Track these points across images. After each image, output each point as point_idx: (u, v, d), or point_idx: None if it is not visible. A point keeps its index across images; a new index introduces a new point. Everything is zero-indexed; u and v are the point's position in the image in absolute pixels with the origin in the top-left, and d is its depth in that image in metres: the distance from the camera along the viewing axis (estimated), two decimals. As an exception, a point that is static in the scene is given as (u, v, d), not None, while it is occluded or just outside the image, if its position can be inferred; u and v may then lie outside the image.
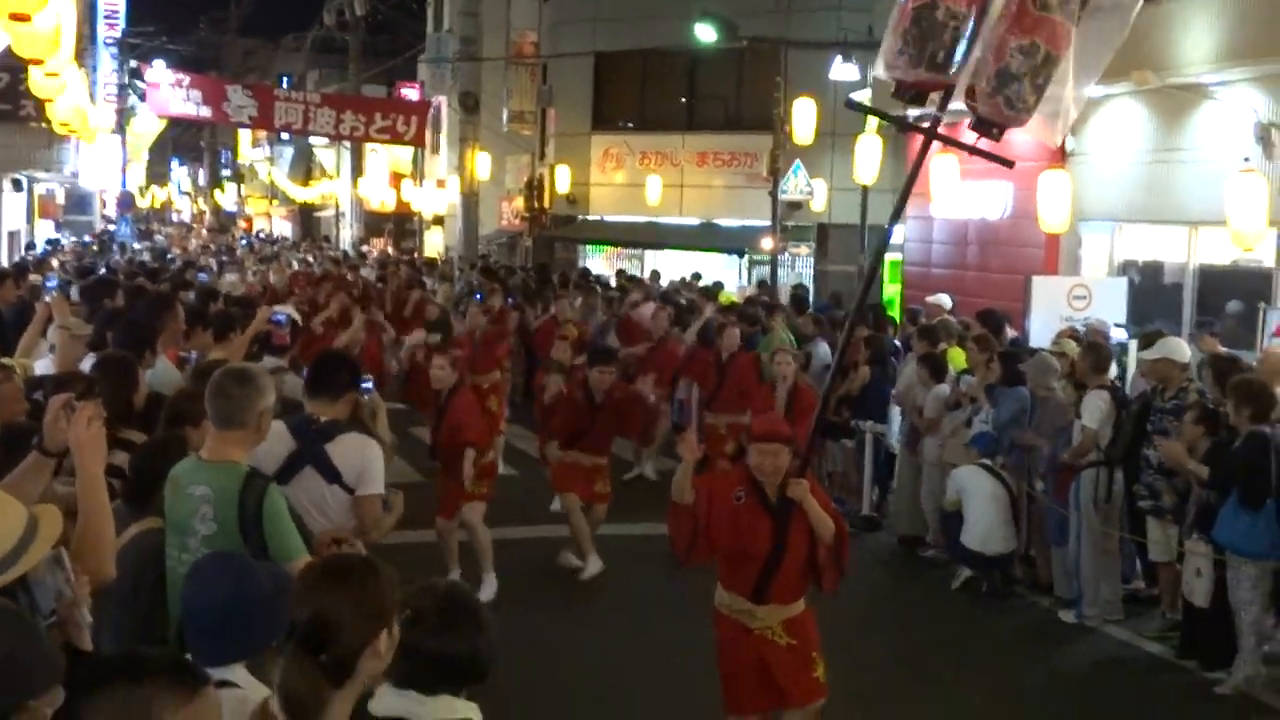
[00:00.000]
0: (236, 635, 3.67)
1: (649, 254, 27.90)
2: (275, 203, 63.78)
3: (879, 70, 6.31)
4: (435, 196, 37.68)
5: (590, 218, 28.98)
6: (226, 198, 71.37)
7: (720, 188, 26.34)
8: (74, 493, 4.22)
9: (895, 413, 12.34)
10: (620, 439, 11.99)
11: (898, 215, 6.89)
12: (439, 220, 39.25)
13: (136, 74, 38.85)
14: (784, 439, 6.30)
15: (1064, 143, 15.21)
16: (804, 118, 20.98)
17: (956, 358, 11.98)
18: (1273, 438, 8.28)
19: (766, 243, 22.15)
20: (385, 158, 42.42)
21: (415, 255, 36.46)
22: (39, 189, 33.25)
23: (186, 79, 26.23)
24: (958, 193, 16.92)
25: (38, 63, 11.86)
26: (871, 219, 20.61)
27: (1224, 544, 8.42)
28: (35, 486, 4.31)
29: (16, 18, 9.48)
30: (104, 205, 46.14)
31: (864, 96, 20.93)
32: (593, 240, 29.89)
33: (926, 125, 6.55)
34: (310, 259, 32.02)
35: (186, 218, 79.96)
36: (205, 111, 25.94)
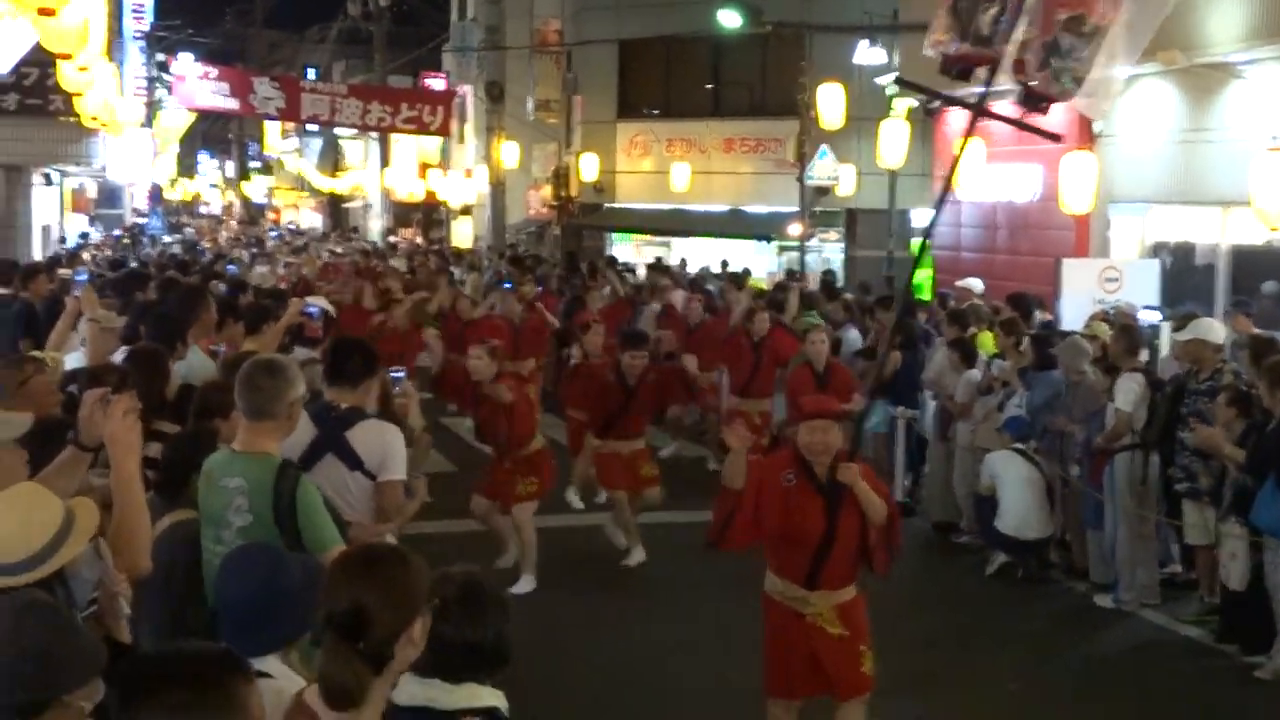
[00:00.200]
0: (269, 626, 3.68)
1: (676, 241, 27.87)
2: (304, 194, 63.99)
3: (925, 49, 6.27)
4: (463, 186, 37.73)
5: (617, 205, 28.94)
6: (255, 190, 71.59)
7: (747, 174, 26.27)
8: (109, 485, 4.24)
9: (927, 398, 12.28)
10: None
11: (942, 201, 6.84)
12: (467, 210, 39.29)
13: (164, 67, 38.99)
14: (834, 415, 6.29)
15: (1092, 124, 15.19)
16: (830, 102, 20.91)
17: (986, 342, 11.93)
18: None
19: (794, 228, 22.08)
20: (412, 148, 42.46)
21: (443, 245, 36.51)
22: (69, 183, 33.41)
23: (213, 72, 26.34)
24: (984, 176, 16.84)
25: (67, 57, 11.92)
26: (899, 203, 20.55)
27: (1261, 527, 8.34)
28: (71, 481, 4.33)
29: (44, 12, 9.54)
30: (133, 199, 46.36)
31: (890, 80, 20.90)
32: (620, 228, 29.87)
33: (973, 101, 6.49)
34: (339, 250, 32.11)
35: (216, 210, 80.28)
36: (232, 104, 26.06)
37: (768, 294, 15.66)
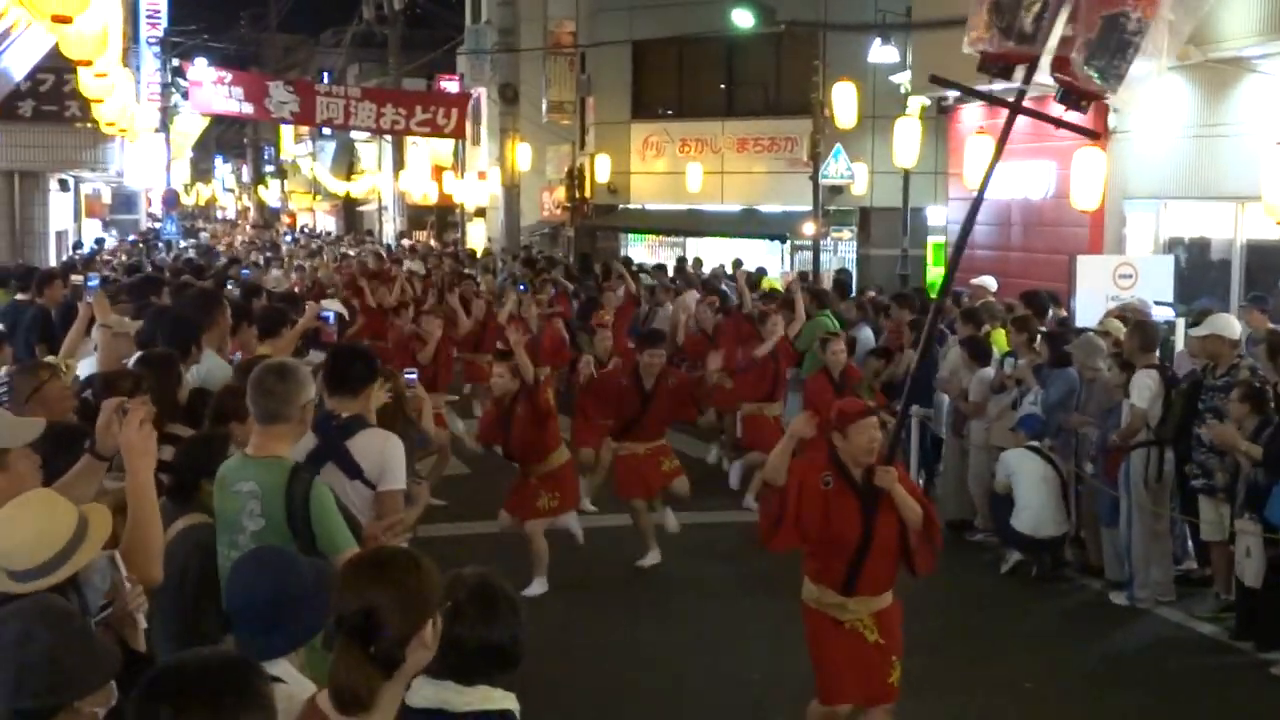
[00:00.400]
0: (280, 629, 3.68)
1: (690, 241, 27.87)
2: (318, 198, 64.16)
3: (965, 46, 6.26)
4: (477, 188, 37.78)
5: (631, 206, 28.95)
6: (270, 194, 71.81)
7: (761, 173, 26.26)
8: (124, 489, 4.25)
9: (941, 397, 12.26)
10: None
11: (978, 205, 6.82)
12: (481, 212, 39.36)
13: (179, 72, 39.10)
14: (873, 412, 6.31)
15: (1106, 120, 15.14)
16: (844, 101, 20.88)
17: (1000, 340, 11.90)
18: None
19: (808, 228, 22.06)
20: (426, 151, 42.54)
21: (456, 247, 36.57)
22: (85, 189, 33.52)
23: (228, 76, 26.39)
24: (996, 173, 16.77)
25: (86, 64, 11.95)
26: (913, 202, 20.51)
27: (1276, 523, 8.32)
28: (87, 490, 4.34)
29: (59, 19, 9.56)
30: (149, 204, 46.50)
31: (904, 79, 20.88)
32: (634, 229, 29.87)
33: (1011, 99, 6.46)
34: (351, 253, 32.16)
35: (231, 214, 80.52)
36: (247, 108, 26.09)
37: (781, 296, 15.64)
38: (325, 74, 53.96)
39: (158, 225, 43.31)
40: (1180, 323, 11.80)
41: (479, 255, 31.13)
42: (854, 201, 24.05)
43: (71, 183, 29.36)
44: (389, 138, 42.13)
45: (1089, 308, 12.90)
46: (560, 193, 30.72)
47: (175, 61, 41.69)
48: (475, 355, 14.95)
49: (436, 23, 45.10)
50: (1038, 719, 7.97)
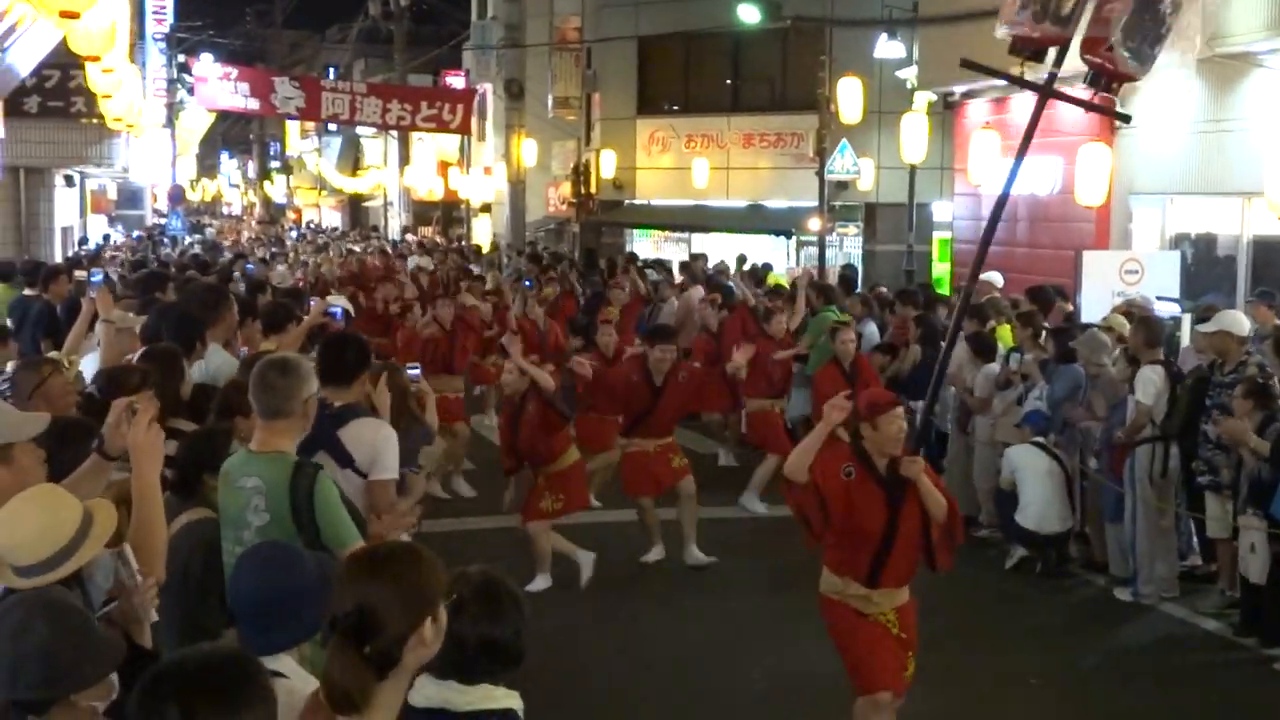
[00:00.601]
0: (283, 624, 3.68)
1: (696, 237, 27.85)
2: (324, 193, 64.17)
3: (998, 29, 6.22)
4: (482, 184, 37.79)
5: (637, 202, 28.94)
6: (276, 189, 71.85)
7: (766, 169, 26.22)
8: (129, 479, 4.25)
9: (946, 392, 12.24)
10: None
11: (1004, 200, 6.78)
12: (487, 208, 39.37)
13: (184, 68, 39.16)
14: (899, 402, 6.28)
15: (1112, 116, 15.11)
16: (849, 97, 20.88)
17: (1006, 336, 11.89)
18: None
19: (814, 223, 22.04)
20: (432, 146, 42.54)
21: (460, 242, 36.58)
22: (91, 184, 33.56)
23: (234, 72, 26.39)
24: (1002, 168, 16.77)
25: (94, 59, 11.96)
26: (919, 197, 20.49)
27: (1280, 519, 8.32)
28: (94, 489, 4.35)
29: (67, 15, 9.57)
30: (155, 199, 46.56)
31: (910, 74, 20.87)
32: (640, 224, 29.85)
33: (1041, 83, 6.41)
34: (357, 248, 32.19)
35: (237, 210, 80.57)
36: (253, 104, 26.10)
37: (786, 291, 15.63)
38: (331, 69, 53.94)
39: (163, 221, 43.37)
40: (1186, 318, 11.78)
41: (485, 251, 31.15)
42: (860, 197, 24.02)
43: (77, 178, 29.37)
44: (394, 133, 42.13)
45: (1095, 303, 12.90)
46: (566, 188, 30.70)
47: (181, 57, 41.77)
48: (480, 360, 14.95)
49: (442, 18, 45.17)
50: (1042, 715, 7.96)
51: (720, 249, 24.85)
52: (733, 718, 7.78)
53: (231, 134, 77.25)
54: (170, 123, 40.16)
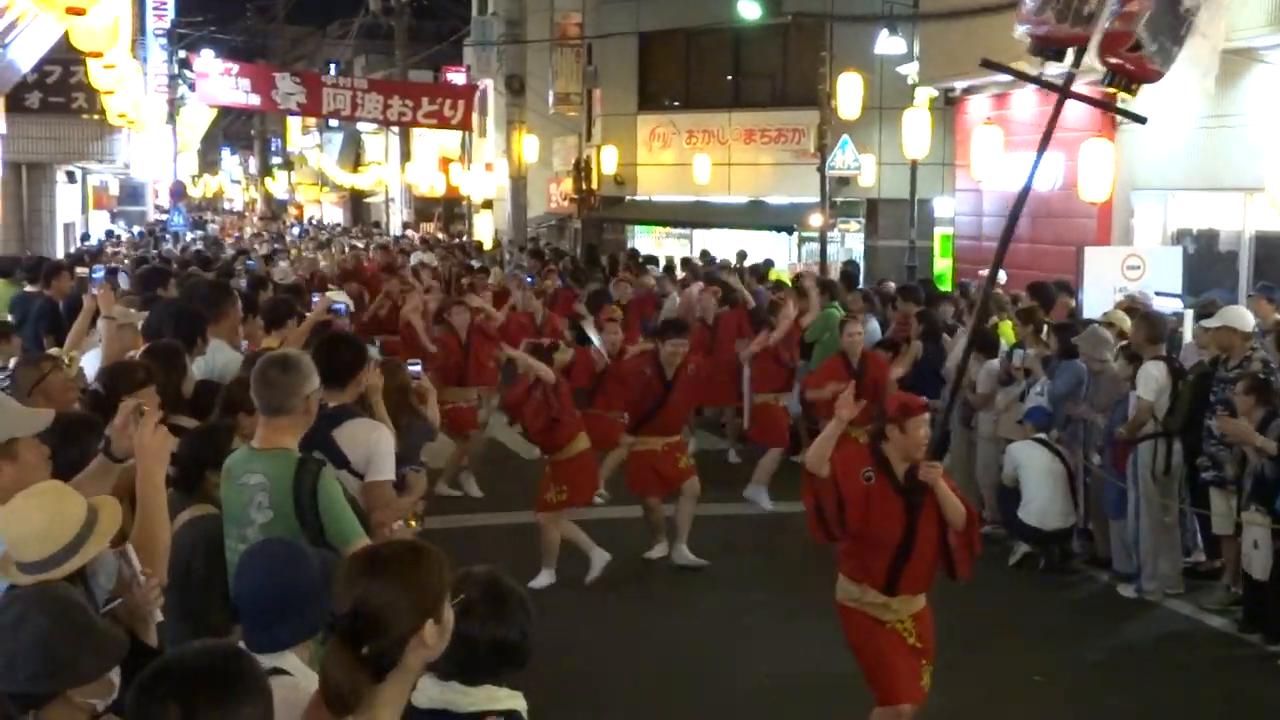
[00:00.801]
0: (288, 621, 3.67)
1: (697, 233, 27.83)
2: (325, 189, 64.18)
3: (1016, 28, 6.18)
4: (483, 180, 37.77)
5: (638, 198, 28.94)
6: (277, 186, 71.84)
7: (768, 165, 26.22)
8: (131, 470, 4.25)
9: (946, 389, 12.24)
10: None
11: (1024, 196, 6.69)
12: (488, 204, 39.34)
13: (185, 64, 39.15)
14: (928, 407, 6.24)
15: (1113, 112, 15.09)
16: (850, 92, 20.86)
17: (1007, 332, 11.88)
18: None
19: (815, 219, 22.04)
20: (433, 142, 42.55)
21: (462, 238, 36.57)
22: (92, 180, 33.57)
23: (235, 68, 26.38)
24: (1005, 164, 16.79)
25: (97, 55, 11.96)
26: (921, 193, 20.49)
27: (1284, 515, 8.31)
28: (100, 491, 4.34)
29: (73, 11, 9.58)
30: (156, 195, 46.57)
31: (911, 70, 20.85)
32: (641, 220, 29.85)
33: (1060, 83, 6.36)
34: (360, 244, 32.18)
35: (238, 206, 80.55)
36: (254, 100, 26.09)
37: (795, 287, 15.61)
38: (332, 65, 54.00)
39: (165, 217, 43.37)
40: (1188, 314, 11.77)
41: (486, 248, 31.13)
42: (861, 193, 24.01)
43: (79, 174, 29.40)
44: (396, 129, 42.15)
45: (1097, 299, 12.89)
46: (567, 184, 30.69)
47: (182, 53, 41.76)
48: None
49: (443, 14, 45.12)
50: (1045, 711, 7.96)
51: (721, 245, 24.85)
52: (737, 715, 7.78)
53: (233, 130, 77.29)
54: (171, 119, 40.18)
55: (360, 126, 48.43)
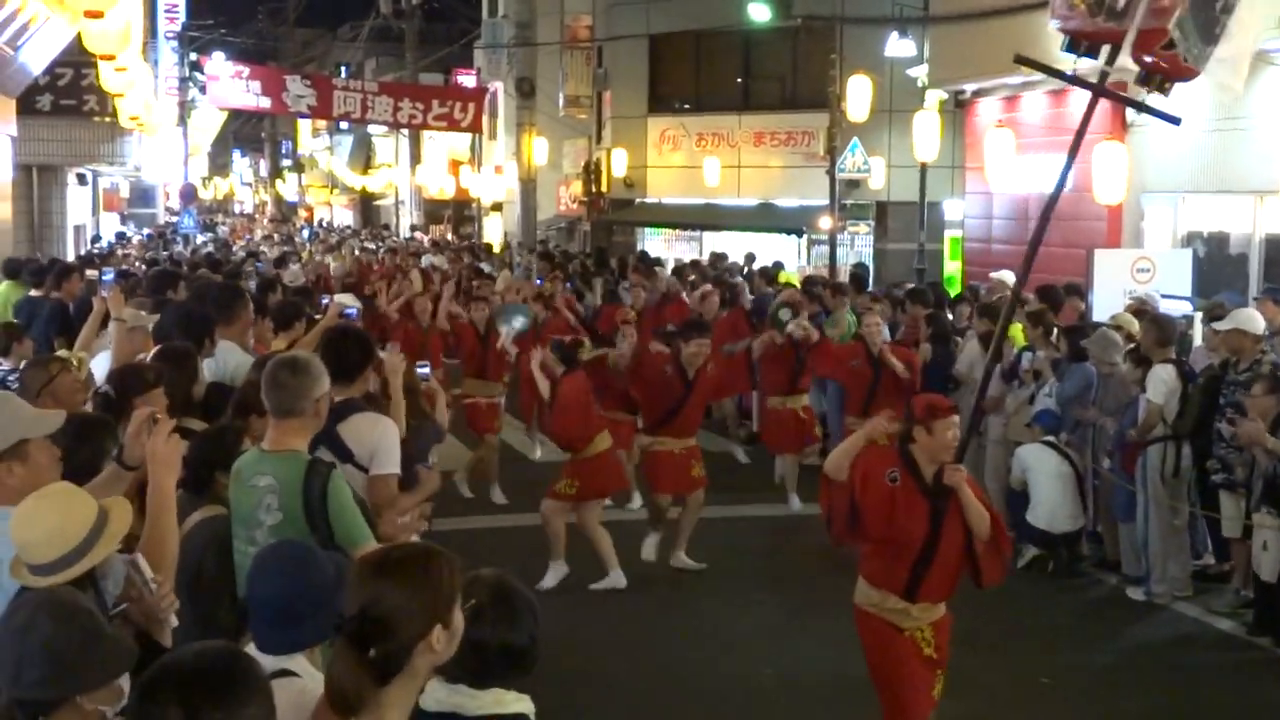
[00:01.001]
0: (299, 624, 3.66)
1: (707, 236, 27.84)
2: (335, 192, 64.30)
3: (1051, 23, 6.14)
4: (493, 183, 37.83)
5: (648, 200, 28.95)
6: (288, 188, 71.98)
7: (777, 167, 26.22)
8: (143, 473, 4.26)
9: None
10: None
11: (1055, 199, 6.62)
12: (498, 206, 39.39)
13: (196, 67, 39.21)
14: (957, 408, 6.17)
15: (1125, 115, 15.08)
16: (859, 95, 20.84)
17: (1017, 335, 11.87)
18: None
19: (825, 222, 22.03)
20: (443, 145, 42.62)
21: (472, 240, 36.61)
22: (103, 183, 33.64)
23: (246, 70, 26.44)
24: (1016, 167, 16.77)
25: (110, 58, 11.99)
26: (930, 196, 20.47)
27: (1294, 518, 8.30)
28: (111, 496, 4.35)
29: (91, 15, 9.61)
30: (167, 198, 46.67)
31: (921, 72, 20.84)
32: (651, 223, 29.86)
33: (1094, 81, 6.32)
34: (371, 246, 32.23)
35: (248, 209, 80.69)
36: (265, 102, 26.17)
37: (805, 291, 15.57)
38: (343, 68, 54.12)
39: (175, 219, 43.46)
40: (1198, 317, 11.75)
41: (495, 250, 31.15)
42: (871, 195, 23.98)
43: (90, 177, 29.45)
44: (406, 132, 42.19)
45: (1107, 302, 12.87)
46: (577, 187, 30.71)
47: (193, 56, 41.82)
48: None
49: (453, 17, 45.20)
50: (1054, 714, 7.94)
51: (731, 247, 24.85)
52: (740, 716, 7.78)
53: (243, 132, 77.44)
54: (182, 121, 40.28)
55: (370, 129, 48.53)
